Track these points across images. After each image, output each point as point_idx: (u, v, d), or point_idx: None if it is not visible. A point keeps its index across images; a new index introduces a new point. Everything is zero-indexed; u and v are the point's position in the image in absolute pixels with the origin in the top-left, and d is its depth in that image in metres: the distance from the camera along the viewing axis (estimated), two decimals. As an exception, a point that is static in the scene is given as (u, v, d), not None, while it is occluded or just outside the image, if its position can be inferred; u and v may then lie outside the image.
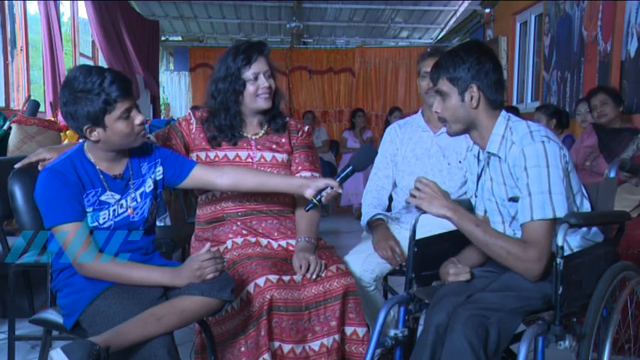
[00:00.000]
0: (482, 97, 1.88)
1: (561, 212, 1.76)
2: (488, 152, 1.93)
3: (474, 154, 2.04)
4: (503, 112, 1.93)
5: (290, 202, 2.38)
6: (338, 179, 2.13)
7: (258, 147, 2.35)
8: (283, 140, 2.39)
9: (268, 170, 2.31)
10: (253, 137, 2.36)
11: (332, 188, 2.11)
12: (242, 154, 2.33)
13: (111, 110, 1.84)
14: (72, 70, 1.90)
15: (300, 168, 2.37)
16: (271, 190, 2.24)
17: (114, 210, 1.94)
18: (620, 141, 3.74)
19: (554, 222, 1.77)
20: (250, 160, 2.32)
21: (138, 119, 1.90)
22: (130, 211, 1.97)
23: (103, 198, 1.93)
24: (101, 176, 1.94)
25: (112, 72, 1.87)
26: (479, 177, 2.01)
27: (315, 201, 2.12)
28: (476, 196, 2.04)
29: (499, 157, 1.90)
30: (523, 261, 1.78)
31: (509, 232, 1.94)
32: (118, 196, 1.95)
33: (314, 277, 2.14)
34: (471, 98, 1.88)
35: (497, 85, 1.90)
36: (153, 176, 2.04)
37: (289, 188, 2.23)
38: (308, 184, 2.15)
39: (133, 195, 1.99)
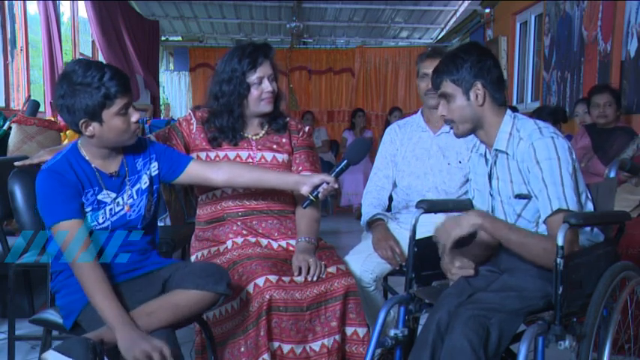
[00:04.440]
0: (487, 94, 1.90)
1: (573, 205, 1.79)
2: (496, 149, 1.93)
3: (481, 153, 2.03)
4: (509, 111, 1.95)
5: (291, 201, 2.38)
6: (333, 174, 2.13)
7: (259, 147, 2.35)
8: (284, 140, 2.39)
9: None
10: (254, 137, 2.36)
11: (328, 184, 2.11)
12: (242, 154, 2.33)
13: (110, 105, 1.84)
14: (70, 63, 1.89)
15: (300, 168, 2.37)
16: (267, 187, 2.24)
17: (110, 209, 1.93)
18: (613, 140, 3.77)
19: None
20: (251, 161, 2.32)
21: (134, 116, 1.89)
22: (126, 208, 1.96)
23: (100, 197, 1.92)
24: (97, 174, 1.93)
25: (111, 68, 1.87)
26: (490, 176, 2.01)
27: (311, 197, 2.11)
28: (491, 195, 2.02)
29: (507, 154, 1.91)
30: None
31: None
32: (114, 195, 1.94)
33: (314, 279, 2.13)
34: (477, 96, 1.89)
35: (500, 82, 1.93)
36: (148, 172, 2.03)
37: (285, 185, 2.22)
38: (304, 180, 2.15)
39: (129, 192, 1.98)
